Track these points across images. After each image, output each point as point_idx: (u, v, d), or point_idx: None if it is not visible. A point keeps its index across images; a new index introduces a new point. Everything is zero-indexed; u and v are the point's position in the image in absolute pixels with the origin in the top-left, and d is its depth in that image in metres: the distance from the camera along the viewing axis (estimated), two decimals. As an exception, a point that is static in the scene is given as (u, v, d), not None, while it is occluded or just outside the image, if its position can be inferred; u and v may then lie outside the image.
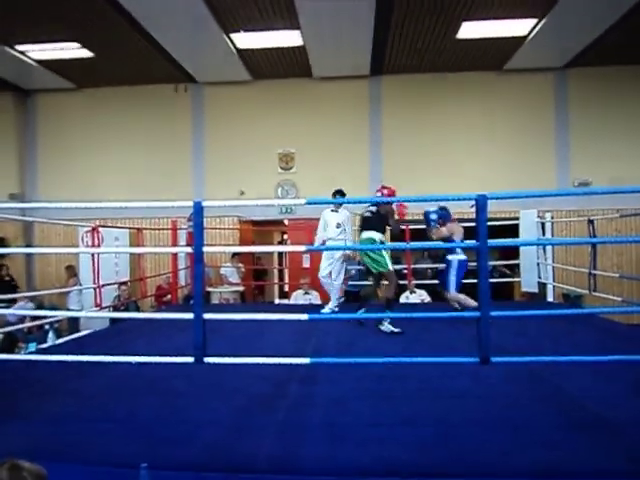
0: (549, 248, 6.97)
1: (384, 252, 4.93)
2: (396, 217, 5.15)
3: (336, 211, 6.05)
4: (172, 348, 4.13)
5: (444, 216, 5.37)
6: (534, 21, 7.49)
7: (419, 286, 7.73)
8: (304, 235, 6.44)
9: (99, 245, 6.76)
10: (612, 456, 2.13)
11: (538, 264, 6.93)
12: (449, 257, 5.35)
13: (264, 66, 9.14)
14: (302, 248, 4.22)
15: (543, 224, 7.04)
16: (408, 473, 2.03)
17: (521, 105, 9.46)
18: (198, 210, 2.66)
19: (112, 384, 3.27)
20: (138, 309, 7.82)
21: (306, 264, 6.27)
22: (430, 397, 2.94)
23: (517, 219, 7.21)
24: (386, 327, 4.81)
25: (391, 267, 4.95)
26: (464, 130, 9.48)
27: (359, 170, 9.53)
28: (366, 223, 5.14)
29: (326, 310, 5.91)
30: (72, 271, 8.80)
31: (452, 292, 5.31)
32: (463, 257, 5.31)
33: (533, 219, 6.85)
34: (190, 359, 2.75)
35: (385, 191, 5.17)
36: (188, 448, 2.28)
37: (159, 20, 7.23)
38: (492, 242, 2.75)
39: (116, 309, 7.26)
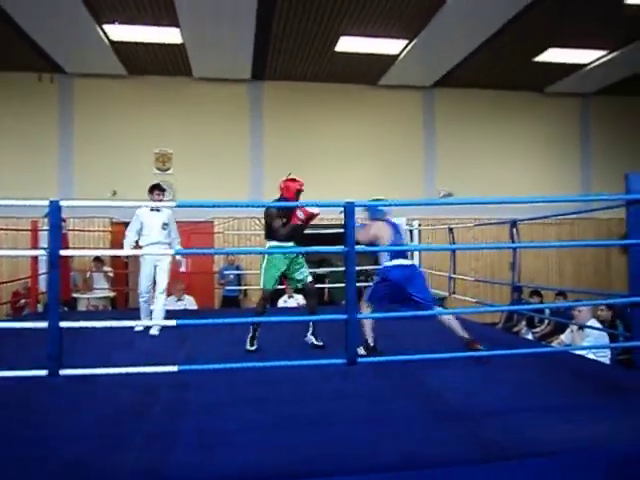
0: (416, 253, 7.48)
1: (264, 266, 4.32)
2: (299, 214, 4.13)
3: (158, 210, 5.20)
4: (28, 360, 3.80)
5: (374, 212, 4.28)
6: (405, 42, 8.02)
7: (297, 291, 7.86)
8: (186, 240, 6.25)
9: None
10: (465, 443, 2.33)
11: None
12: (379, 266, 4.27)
13: (141, 61, 8.74)
14: (171, 252, 4.03)
15: (411, 231, 7.53)
16: (277, 476, 2.06)
17: (393, 120, 10.09)
18: (55, 210, 2.46)
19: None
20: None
21: (182, 268, 6.07)
22: (300, 399, 3.00)
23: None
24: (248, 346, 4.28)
25: (266, 287, 4.33)
26: (342, 139, 9.86)
27: (239, 173, 9.49)
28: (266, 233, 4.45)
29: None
30: None
31: (363, 299, 4.12)
32: (392, 263, 4.07)
33: (402, 226, 7.30)
34: (43, 372, 2.53)
35: (290, 183, 4.44)
36: (45, 468, 2.10)
37: (24, 4, 6.60)
38: (359, 248, 2.89)
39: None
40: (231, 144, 9.56)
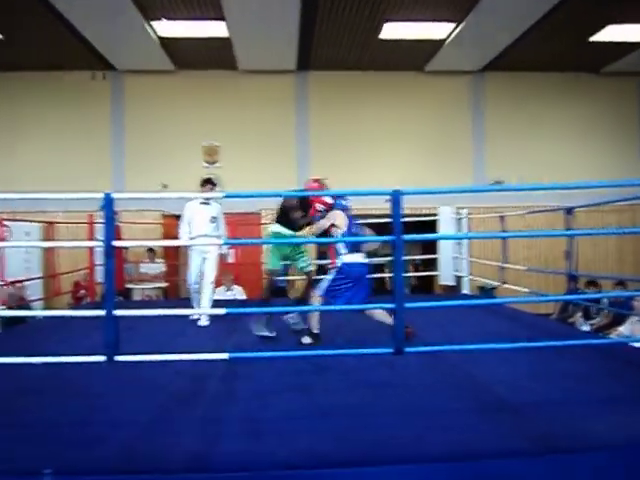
0: (465, 243, 7.32)
1: (272, 250, 4.50)
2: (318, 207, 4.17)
3: (207, 203, 5.35)
4: (87, 347, 3.97)
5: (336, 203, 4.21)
6: (453, 25, 7.81)
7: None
8: (228, 230, 6.35)
9: (4, 239, 6.33)
10: (513, 436, 2.27)
11: (455, 258, 7.26)
12: (336, 260, 4.11)
13: (188, 56, 8.90)
14: (220, 242, 4.12)
15: (460, 220, 7.37)
16: (325, 463, 2.07)
17: (441, 106, 9.87)
18: (108, 202, 2.55)
19: (20, 386, 3.07)
20: (30, 309, 7.20)
21: (230, 259, 6.18)
22: (347, 388, 3.00)
23: (436, 215, 7.51)
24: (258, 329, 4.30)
25: (274, 266, 4.51)
26: (387, 127, 9.74)
27: (286, 164, 9.54)
28: (276, 216, 4.62)
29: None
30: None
31: (315, 292, 4.10)
32: (351, 258, 4.02)
33: (450, 215, 7.16)
34: (101, 358, 2.64)
35: (312, 184, 4.47)
36: (100, 450, 2.19)
37: (76, 4, 6.84)
38: (407, 237, 2.84)
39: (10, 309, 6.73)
40: (277, 135, 9.62)
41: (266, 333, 4.28)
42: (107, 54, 8.69)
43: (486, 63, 9.33)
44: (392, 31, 7.95)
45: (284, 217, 4.49)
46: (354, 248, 4.03)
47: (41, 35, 7.86)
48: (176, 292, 9.18)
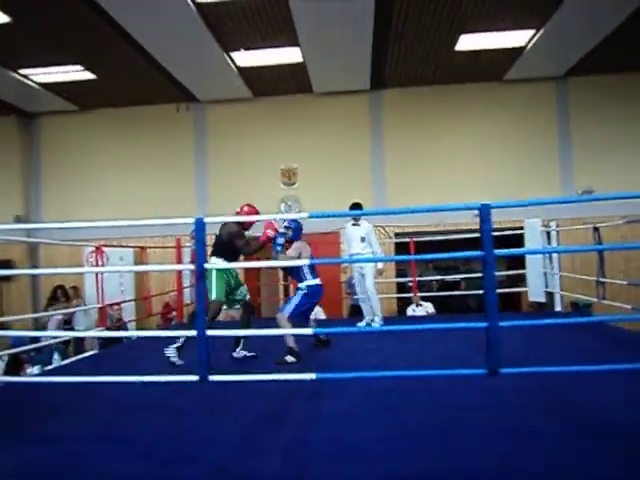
0: (555, 257, 6.91)
1: (214, 278, 4.26)
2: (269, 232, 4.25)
3: (357, 225, 6.05)
4: (178, 366, 4.12)
5: (295, 231, 4.67)
6: (532, 32, 7.53)
7: (424, 299, 7.69)
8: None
9: (103, 265, 6.75)
10: (620, 464, 2.07)
11: (545, 273, 6.87)
12: (299, 284, 4.62)
13: (265, 83, 9.21)
14: (306, 261, 4.15)
15: (548, 233, 6.99)
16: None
17: (523, 114, 9.49)
18: (200, 226, 2.64)
19: (117, 404, 3.23)
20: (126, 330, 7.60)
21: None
22: (438, 410, 2.88)
23: (521, 229, 7.17)
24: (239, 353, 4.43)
25: (219, 296, 4.30)
26: (466, 141, 9.51)
27: (362, 183, 9.54)
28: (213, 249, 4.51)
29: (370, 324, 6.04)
30: (76, 292, 8.80)
31: (283, 314, 4.48)
32: (314, 282, 4.62)
33: (538, 228, 6.80)
34: (194, 377, 2.71)
35: (246, 208, 4.61)
36: (193, 468, 2.23)
37: (160, 41, 7.32)
38: (498, 252, 2.72)
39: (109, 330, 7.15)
40: (353, 154, 9.67)
41: (245, 354, 4.44)
42: (190, 86, 9.18)
43: (569, 68, 8.89)
44: (469, 42, 7.78)
45: (223, 248, 4.37)
46: (314, 274, 4.65)
47: (129, 72, 8.45)
48: (258, 312, 9.37)
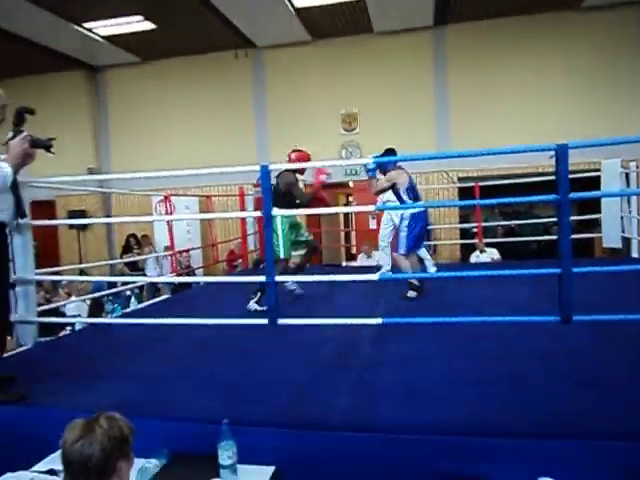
0: (634, 200, 6.49)
1: (280, 234, 4.33)
2: (310, 184, 4.39)
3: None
4: (245, 310, 4.29)
5: (384, 164, 4.56)
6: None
7: (490, 245, 7.50)
8: (369, 196, 6.38)
9: (171, 213, 7.00)
10: None
11: (622, 218, 6.49)
12: (402, 214, 4.63)
13: (323, 24, 8.92)
14: (370, 208, 4.13)
15: (627, 175, 6.55)
16: (489, 432, 1.99)
17: (603, 45, 8.69)
18: (265, 174, 2.66)
19: (193, 345, 3.43)
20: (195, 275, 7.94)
21: (372, 225, 6.22)
22: (508, 357, 2.86)
23: (597, 170, 6.75)
24: (251, 305, 4.32)
25: (287, 255, 4.40)
26: (538, 77, 8.88)
27: (426, 126, 9.22)
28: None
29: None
30: (147, 240, 9.23)
31: (398, 254, 4.62)
32: (416, 210, 4.56)
33: (617, 169, 6.38)
34: (264, 321, 2.81)
35: (293, 155, 4.64)
36: (266, 405, 2.35)
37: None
38: (574, 195, 2.58)
39: (179, 276, 7.48)
40: (415, 97, 9.30)
41: (260, 308, 4.22)
42: (247, 32, 9.05)
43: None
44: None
45: (281, 198, 4.26)
46: (416, 199, 4.68)
47: (188, 20, 8.39)
48: (320, 259, 9.50)
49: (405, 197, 4.58)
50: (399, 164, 4.78)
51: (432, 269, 5.67)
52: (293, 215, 4.51)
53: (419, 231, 4.64)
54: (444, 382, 2.53)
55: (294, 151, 4.77)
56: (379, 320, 2.79)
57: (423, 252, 5.60)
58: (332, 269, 7.70)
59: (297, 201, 4.48)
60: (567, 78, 8.83)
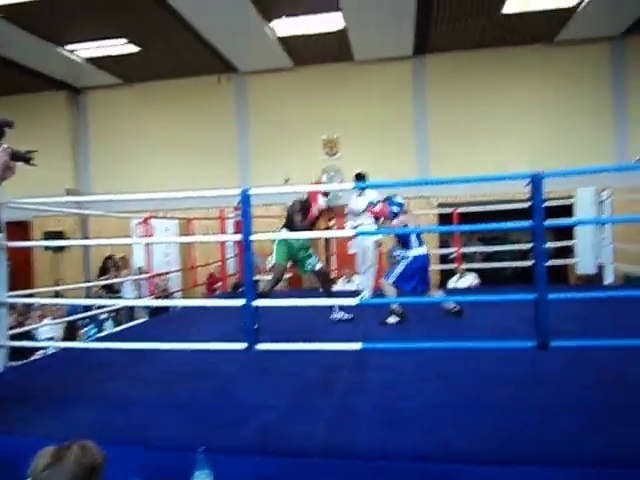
0: (608, 227, 6.65)
1: (276, 245, 4.76)
2: (314, 211, 4.65)
3: (363, 195, 5.86)
4: (223, 334, 4.22)
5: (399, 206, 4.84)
6: (586, -12, 7.11)
7: (468, 270, 7.58)
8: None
9: (151, 236, 6.94)
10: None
11: (596, 245, 6.63)
12: (404, 253, 4.77)
13: (305, 52, 9.08)
14: (350, 232, 4.17)
15: (601, 202, 6.72)
16: (469, 459, 1.98)
17: (575, 78, 9.02)
18: (246, 198, 2.67)
19: (169, 369, 3.36)
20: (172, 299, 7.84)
21: (352, 250, 6.26)
22: (486, 382, 2.87)
23: (570, 198, 6.92)
24: (335, 316, 4.84)
25: (278, 261, 4.74)
26: (514, 107, 9.15)
27: (405, 153, 9.39)
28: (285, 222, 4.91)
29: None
30: (125, 262, 9.11)
31: (387, 280, 4.76)
32: (421, 252, 4.75)
33: (590, 197, 6.55)
34: (242, 345, 2.78)
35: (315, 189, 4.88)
36: (244, 432, 2.31)
37: (201, 12, 7.29)
38: (549, 222, 2.63)
39: (157, 299, 7.36)
40: (395, 123, 9.48)
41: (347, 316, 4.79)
42: (231, 57, 9.16)
43: (628, 26, 8.36)
44: (516, 4, 7.42)
45: (288, 222, 4.80)
46: (420, 242, 4.76)
47: (171, 44, 8.48)
48: (299, 283, 9.47)
49: (414, 239, 4.78)
50: (405, 207, 5.05)
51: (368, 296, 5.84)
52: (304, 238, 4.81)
53: (415, 272, 4.71)
54: (424, 408, 2.52)
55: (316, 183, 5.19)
56: (359, 345, 2.78)
57: (372, 278, 5.89)
58: (313, 293, 7.67)
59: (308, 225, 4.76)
60: (541, 109, 9.11)
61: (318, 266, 4.92)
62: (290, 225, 4.77)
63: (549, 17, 7.95)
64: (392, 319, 4.63)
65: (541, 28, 8.38)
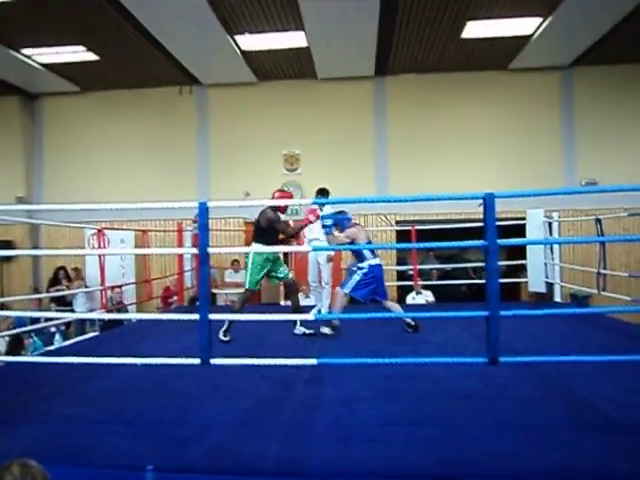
0: (556, 248, 6.92)
1: (250, 266, 4.67)
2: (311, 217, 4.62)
3: (321, 210, 5.92)
4: (178, 349, 4.14)
5: (340, 220, 4.87)
6: (539, 20, 7.45)
7: (425, 287, 7.71)
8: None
9: (105, 247, 6.76)
10: (622, 457, 2.09)
11: (545, 264, 6.89)
12: (359, 264, 4.84)
13: (269, 67, 9.14)
14: (307, 248, 4.19)
15: (550, 224, 6.99)
16: (417, 475, 2.00)
17: (527, 105, 9.43)
18: (203, 211, 2.64)
19: (119, 385, 3.26)
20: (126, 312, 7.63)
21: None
22: (438, 398, 2.91)
23: (523, 219, 7.18)
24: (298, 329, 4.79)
25: (251, 287, 4.71)
26: (469, 129, 9.45)
27: (365, 171, 9.52)
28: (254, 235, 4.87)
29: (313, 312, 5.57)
30: (78, 273, 8.83)
31: (342, 289, 4.83)
32: (375, 262, 4.84)
33: (540, 219, 6.80)
34: (196, 360, 2.73)
35: (277, 194, 4.91)
36: (195, 449, 2.26)
37: (164, 23, 7.23)
38: (501, 241, 2.72)
39: (109, 312, 7.15)
40: (356, 141, 9.62)
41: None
42: (193, 70, 9.11)
43: (576, 57, 8.82)
44: (475, 29, 7.70)
45: (262, 234, 4.68)
46: (374, 254, 4.86)
47: (132, 54, 8.37)
48: (258, 298, 9.41)
49: (367, 253, 4.83)
50: (353, 221, 5.14)
51: (325, 311, 5.74)
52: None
53: (371, 282, 4.79)
54: (377, 424, 2.53)
55: (278, 191, 5.03)
56: (314, 361, 2.77)
57: (326, 293, 5.82)
58: (270, 308, 7.63)
59: (280, 236, 4.76)
60: (497, 132, 9.45)
61: (289, 276, 4.90)
62: (264, 237, 4.64)
63: (505, 44, 8.28)
64: (327, 330, 4.71)
65: (497, 54, 8.72)
